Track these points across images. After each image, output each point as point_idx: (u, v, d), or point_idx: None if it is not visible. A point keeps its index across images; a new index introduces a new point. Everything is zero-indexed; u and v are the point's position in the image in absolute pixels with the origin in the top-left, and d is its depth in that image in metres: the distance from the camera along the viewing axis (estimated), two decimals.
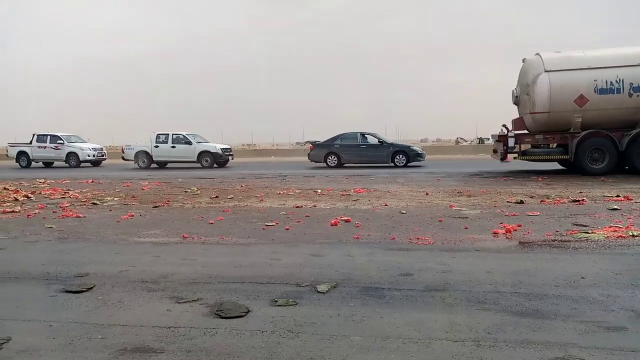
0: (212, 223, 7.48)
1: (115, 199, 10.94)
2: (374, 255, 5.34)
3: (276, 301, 3.87)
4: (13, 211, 9.19)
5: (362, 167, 21.06)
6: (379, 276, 4.48)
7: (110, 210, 9.26)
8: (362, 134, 21.86)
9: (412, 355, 2.87)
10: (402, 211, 8.23)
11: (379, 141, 21.57)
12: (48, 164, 27.53)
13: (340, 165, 21.34)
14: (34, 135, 26.82)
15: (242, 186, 13.10)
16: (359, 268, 4.78)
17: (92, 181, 15.59)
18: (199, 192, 12.00)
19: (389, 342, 3.05)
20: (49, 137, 26.81)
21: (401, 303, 3.78)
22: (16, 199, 11.16)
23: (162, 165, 24.45)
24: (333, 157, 21.57)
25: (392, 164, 20.93)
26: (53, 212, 9.07)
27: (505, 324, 3.30)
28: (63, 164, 26.58)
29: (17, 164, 26.96)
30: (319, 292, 4.06)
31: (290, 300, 3.89)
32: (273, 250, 5.64)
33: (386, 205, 9.02)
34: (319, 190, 11.56)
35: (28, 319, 3.64)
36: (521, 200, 9.09)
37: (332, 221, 7.24)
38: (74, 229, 7.26)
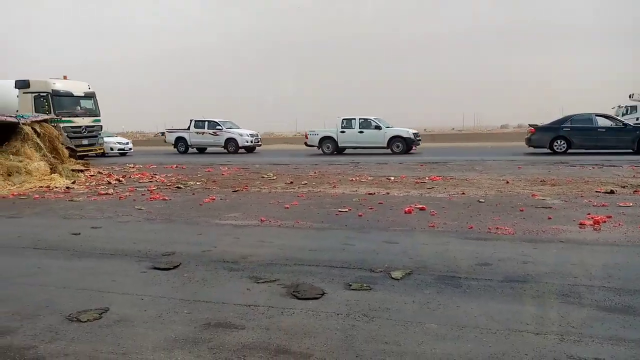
0: (287, 208, 7.67)
1: (197, 183, 11.50)
2: (450, 244, 5.24)
3: (350, 285, 3.92)
4: (107, 193, 9.95)
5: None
6: (456, 265, 4.40)
7: (193, 193, 9.76)
8: (596, 116, 19.10)
9: (490, 345, 2.81)
10: (481, 200, 7.97)
11: (622, 124, 18.65)
12: (201, 150, 27.09)
13: (565, 152, 18.73)
14: (191, 121, 26.39)
15: (315, 173, 13.27)
16: (434, 256, 4.72)
17: (176, 166, 16.47)
18: (274, 177, 12.33)
19: (466, 331, 3.01)
20: (206, 122, 26.12)
21: (479, 293, 3.70)
22: (109, 182, 12.07)
23: (341, 151, 23.40)
24: (561, 141, 18.92)
25: (636, 150, 17.79)
26: (142, 194, 9.71)
27: (591, 319, 3.14)
28: (219, 150, 26.01)
29: (175, 149, 26.90)
30: (393, 278, 4.07)
31: (365, 285, 3.92)
32: (346, 235, 5.70)
33: (463, 193, 8.77)
34: (392, 178, 11.46)
35: (123, 292, 3.95)
36: (612, 190, 8.49)
37: (406, 209, 7.17)
38: (160, 211, 7.74)
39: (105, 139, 24.68)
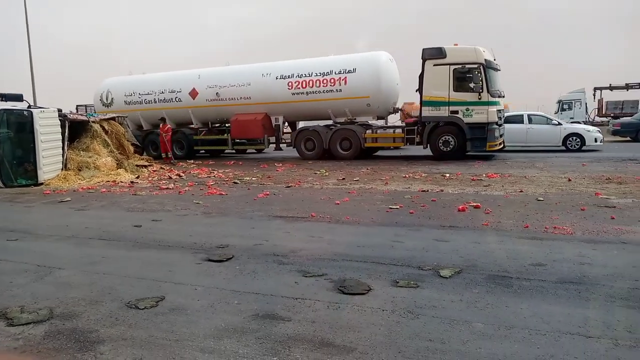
0: (338, 204, 7.72)
1: (253, 178, 11.79)
2: (504, 243, 5.10)
3: (397, 282, 3.92)
4: (168, 188, 10.42)
5: None
6: (508, 265, 4.29)
7: (248, 189, 10.02)
8: None
9: (538, 347, 2.74)
10: (539, 198, 7.68)
11: None
12: None
13: None
14: None
15: (368, 169, 13.24)
16: (485, 255, 4.62)
17: (233, 163, 16.93)
18: (327, 174, 12.41)
19: (514, 332, 2.94)
20: None
21: (530, 294, 3.60)
22: (170, 177, 12.61)
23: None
24: None
25: None
26: (200, 189, 10.08)
27: None
28: None
29: None
30: (441, 276, 4.03)
31: (412, 282, 3.91)
32: (396, 233, 5.68)
33: (521, 191, 8.48)
34: (447, 175, 11.24)
35: (178, 282, 4.15)
36: None
37: (460, 207, 7.03)
38: (217, 205, 8.01)
39: (582, 126, 18.74)
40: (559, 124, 17.97)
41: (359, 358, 2.70)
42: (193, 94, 18.30)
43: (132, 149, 15.20)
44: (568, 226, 5.64)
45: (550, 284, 3.76)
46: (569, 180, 9.70)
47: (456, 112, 14.50)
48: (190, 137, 18.90)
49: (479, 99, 14.13)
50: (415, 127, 15.46)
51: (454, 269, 4.19)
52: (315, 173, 12.59)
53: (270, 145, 18.35)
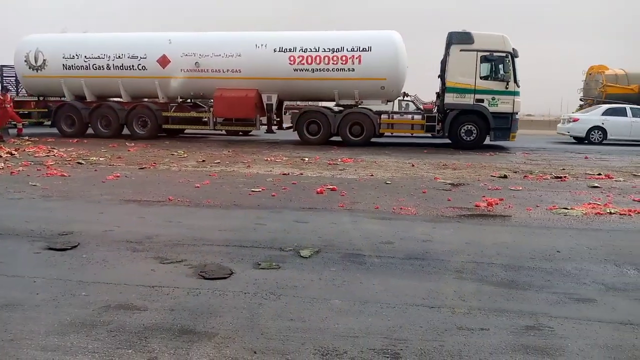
0: (198, 187, 7.49)
1: (100, 159, 10.85)
2: (357, 223, 5.42)
3: (259, 264, 3.94)
4: None
5: None
6: (361, 243, 4.56)
7: (95, 170, 9.20)
8: None
9: (389, 319, 2.97)
10: (388, 181, 8.30)
11: None
12: None
13: None
14: None
15: (229, 151, 13.05)
16: (341, 235, 4.86)
17: (77, 141, 15.38)
18: (185, 155, 11.95)
19: (368, 306, 3.15)
20: None
21: (381, 270, 3.88)
22: (0, 156, 11.02)
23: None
24: None
25: None
26: (37, 170, 8.98)
27: (480, 293, 3.42)
28: None
29: None
30: (301, 256, 4.14)
31: (273, 263, 3.96)
32: (258, 215, 5.70)
33: (372, 175, 9.08)
34: (306, 159, 11.57)
35: (12, 274, 3.67)
36: (505, 175, 9.21)
37: (318, 189, 7.29)
38: (58, 188, 7.22)
39: None
40: None
41: (221, 343, 2.66)
42: (163, 61, 15.52)
43: None
44: (412, 207, 6.19)
45: (398, 260, 4.09)
46: (413, 165, 10.65)
47: (482, 100, 14.12)
48: (158, 114, 15.86)
49: (506, 88, 14.01)
50: (436, 115, 14.79)
51: (313, 249, 4.34)
52: (173, 154, 12.04)
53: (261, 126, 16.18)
